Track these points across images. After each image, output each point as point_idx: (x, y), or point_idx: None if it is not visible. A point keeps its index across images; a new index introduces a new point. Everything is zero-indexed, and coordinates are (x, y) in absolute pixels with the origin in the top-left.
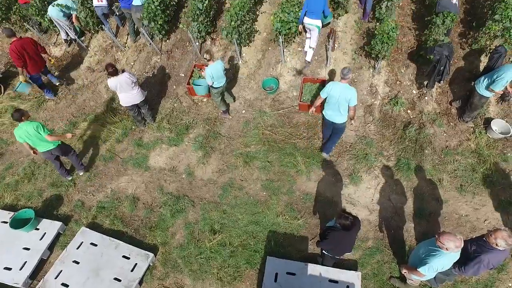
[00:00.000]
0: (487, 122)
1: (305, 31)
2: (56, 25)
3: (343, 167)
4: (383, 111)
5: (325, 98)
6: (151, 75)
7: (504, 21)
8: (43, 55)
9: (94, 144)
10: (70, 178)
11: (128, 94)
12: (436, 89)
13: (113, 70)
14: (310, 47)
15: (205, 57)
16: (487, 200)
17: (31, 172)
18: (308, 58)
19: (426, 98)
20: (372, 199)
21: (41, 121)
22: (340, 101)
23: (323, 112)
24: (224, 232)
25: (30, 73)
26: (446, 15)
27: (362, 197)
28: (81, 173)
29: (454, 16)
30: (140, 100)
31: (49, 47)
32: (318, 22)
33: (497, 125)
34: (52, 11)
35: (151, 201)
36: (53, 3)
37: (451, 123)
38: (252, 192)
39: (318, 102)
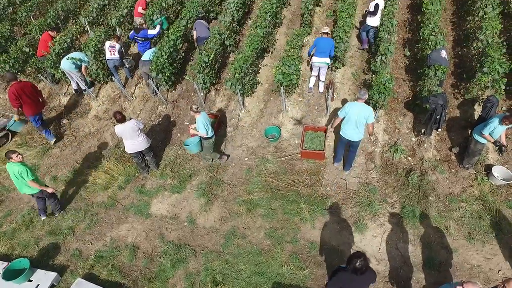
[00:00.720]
0: (488, 168)
1: (311, 69)
2: (68, 76)
3: (348, 214)
4: (384, 158)
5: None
6: (156, 123)
7: (492, 73)
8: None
9: (96, 191)
10: (43, 218)
11: (134, 141)
12: (435, 136)
13: (121, 117)
14: (321, 81)
15: (193, 109)
16: (498, 249)
17: (30, 219)
18: (321, 89)
19: (425, 145)
20: (379, 248)
21: (29, 165)
22: (359, 119)
23: (340, 132)
24: (227, 283)
25: (25, 114)
26: (437, 68)
27: (369, 246)
28: (57, 214)
29: (445, 69)
30: (145, 147)
31: (59, 97)
32: (327, 60)
33: (499, 172)
34: (65, 64)
35: (151, 250)
36: (66, 56)
37: (453, 170)
38: (256, 241)
39: (336, 122)
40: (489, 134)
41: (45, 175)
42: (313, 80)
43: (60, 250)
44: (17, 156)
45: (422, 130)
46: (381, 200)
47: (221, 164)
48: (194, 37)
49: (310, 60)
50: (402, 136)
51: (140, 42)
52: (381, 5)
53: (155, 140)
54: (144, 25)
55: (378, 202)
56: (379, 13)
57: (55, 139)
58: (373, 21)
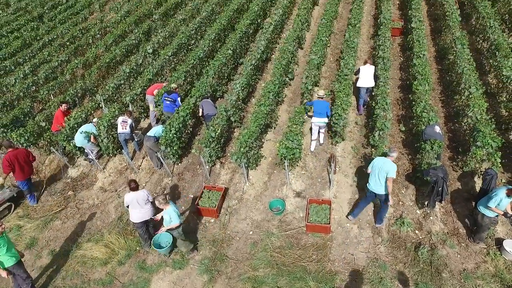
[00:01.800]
0: (499, 242)
1: (311, 131)
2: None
3: None
4: (391, 231)
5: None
6: None
7: (486, 147)
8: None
9: (95, 267)
10: None
11: (141, 210)
12: (439, 209)
13: (135, 186)
14: (320, 132)
15: (160, 201)
16: None
17: None
18: (322, 140)
19: (431, 218)
20: None
21: (7, 239)
22: (380, 172)
23: (367, 184)
24: None
25: (16, 179)
26: (433, 142)
27: None
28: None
29: (441, 143)
30: (150, 216)
31: (68, 169)
32: (325, 119)
33: (510, 246)
34: (78, 138)
35: None
36: (79, 130)
37: (463, 244)
38: None
39: (369, 170)
40: (496, 206)
41: (42, 249)
42: (313, 144)
43: None
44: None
45: (426, 203)
46: (393, 277)
47: (225, 238)
48: (200, 113)
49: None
50: (407, 209)
51: (168, 102)
52: (366, 70)
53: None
54: (176, 89)
55: (389, 279)
56: (365, 76)
57: (36, 204)
58: (362, 83)
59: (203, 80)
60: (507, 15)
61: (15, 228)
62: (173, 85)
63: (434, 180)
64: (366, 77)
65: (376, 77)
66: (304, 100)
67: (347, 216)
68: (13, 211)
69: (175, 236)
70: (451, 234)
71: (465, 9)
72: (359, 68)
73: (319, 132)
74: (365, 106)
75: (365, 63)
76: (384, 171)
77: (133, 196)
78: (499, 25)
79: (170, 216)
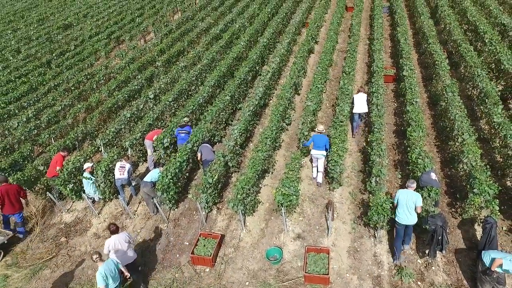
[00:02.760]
0: None
1: (311, 162)
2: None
3: None
4: (392, 283)
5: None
6: (156, 243)
7: (483, 195)
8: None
9: None
10: None
11: (123, 254)
12: (441, 258)
13: (115, 228)
14: (318, 171)
15: (93, 259)
16: None
17: None
18: (319, 180)
19: (433, 268)
20: None
21: None
22: (408, 204)
23: (396, 218)
24: None
25: (4, 213)
26: (430, 189)
27: None
28: None
29: (438, 190)
30: (133, 259)
31: (62, 213)
32: (324, 152)
33: None
34: (86, 186)
35: None
36: (83, 176)
37: None
38: None
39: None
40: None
41: None
42: (315, 170)
43: None
44: None
45: (427, 251)
46: None
47: None
48: (199, 157)
49: (305, 148)
50: (407, 258)
51: (183, 135)
52: (359, 98)
53: (152, 262)
54: (189, 123)
55: None
56: (359, 103)
57: (24, 236)
58: (356, 109)
59: (200, 125)
60: (493, 64)
61: (1, 278)
62: (186, 119)
63: (433, 229)
64: (359, 104)
65: (369, 104)
66: (302, 140)
67: (393, 262)
68: (2, 259)
69: None
70: (455, 286)
71: (453, 58)
72: (353, 97)
73: (318, 166)
74: (357, 131)
75: (358, 91)
76: (412, 202)
77: (115, 238)
78: (486, 74)
79: (97, 277)
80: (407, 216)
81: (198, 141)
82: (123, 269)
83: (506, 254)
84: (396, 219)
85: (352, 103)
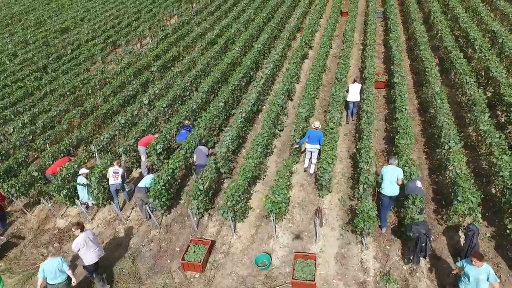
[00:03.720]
0: None
1: (304, 153)
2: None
3: None
4: None
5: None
6: (147, 249)
7: (467, 202)
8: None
9: None
10: None
11: (92, 251)
12: (425, 264)
13: (82, 225)
14: (312, 164)
15: (42, 253)
16: None
17: None
18: (311, 171)
19: (417, 274)
20: None
21: None
22: (392, 177)
23: (382, 191)
24: None
25: None
26: (415, 197)
27: None
28: None
29: (422, 198)
30: (101, 256)
31: (56, 219)
32: (318, 146)
33: None
34: (81, 191)
35: None
36: (77, 183)
37: None
38: None
39: (379, 179)
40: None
41: None
42: (307, 161)
43: None
44: None
45: (411, 257)
46: None
47: None
48: (194, 159)
49: (296, 145)
50: (393, 264)
51: (184, 131)
52: (354, 87)
53: (143, 267)
54: (190, 124)
55: None
56: (353, 92)
57: (3, 228)
58: (350, 98)
59: (193, 132)
60: (482, 71)
61: None
62: (187, 122)
63: (417, 236)
64: (353, 93)
65: (362, 93)
66: (294, 146)
67: (380, 229)
68: None
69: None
70: None
71: (444, 64)
72: (348, 87)
73: (311, 158)
74: (353, 118)
75: (353, 81)
76: (395, 175)
77: (83, 236)
78: (475, 81)
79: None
80: (391, 188)
81: (191, 148)
82: (69, 273)
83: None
84: (382, 191)
85: (347, 91)
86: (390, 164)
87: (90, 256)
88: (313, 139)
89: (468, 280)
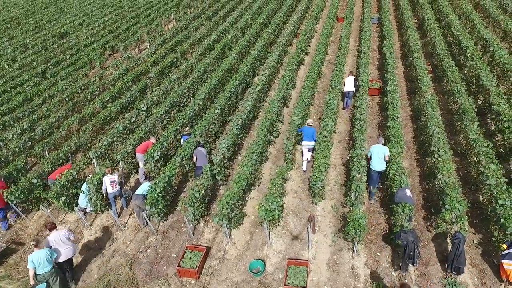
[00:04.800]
0: None
1: (302, 154)
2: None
3: None
4: None
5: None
6: (144, 255)
7: (454, 210)
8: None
9: None
10: None
11: (66, 248)
12: (414, 271)
13: (53, 225)
14: (308, 161)
15: (30, 244)
16: None
17: None
18: (304, 168)
19: (406, 280)
20: None
21: None
22: (380, 154)
23: (371, 167)
24: None
25: None
26: (404, 205)
27: None
28: None
29: (411, 206)
30: (73, 253)
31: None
32: (312, 143)
33: None
34: (81, 199)
35: None
36: (81, 191)
37: None
38: None
39: (368, 157)
40: None
41: None
42: (305, 164)
43: None
44: None
45: (400, 264)
46: None
47: None
48: (194, 160)
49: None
50: (383, 271)
51: (186, 137)
52: (349, 80)
53: (140, 273)
54: (190, 131)
55: None
56: (348, 84)
57: (6, 229)
58: (346, 88)
59: (190, 139)
60: (473, 79)
61: None
62: (187, 128)
63: (405, 244)
64: (348, 84)
65: (356, 85)
66: (288, 153)
67: (370, 201)
68: None
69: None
70: None
71: (437, 71)
72: (344, 80)
73: (308, 153)
74: (348, 107)
75: (348, 74)
76: (382, 153)
77: (55, 234)
78: (466, 90)
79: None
80: (379, 163)
81: (187, 155)
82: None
83: None
84: (371, 167)
85: (344, 84)
86: (378, 144)
87: (61, 254)
88: (307, 136)
89: None
